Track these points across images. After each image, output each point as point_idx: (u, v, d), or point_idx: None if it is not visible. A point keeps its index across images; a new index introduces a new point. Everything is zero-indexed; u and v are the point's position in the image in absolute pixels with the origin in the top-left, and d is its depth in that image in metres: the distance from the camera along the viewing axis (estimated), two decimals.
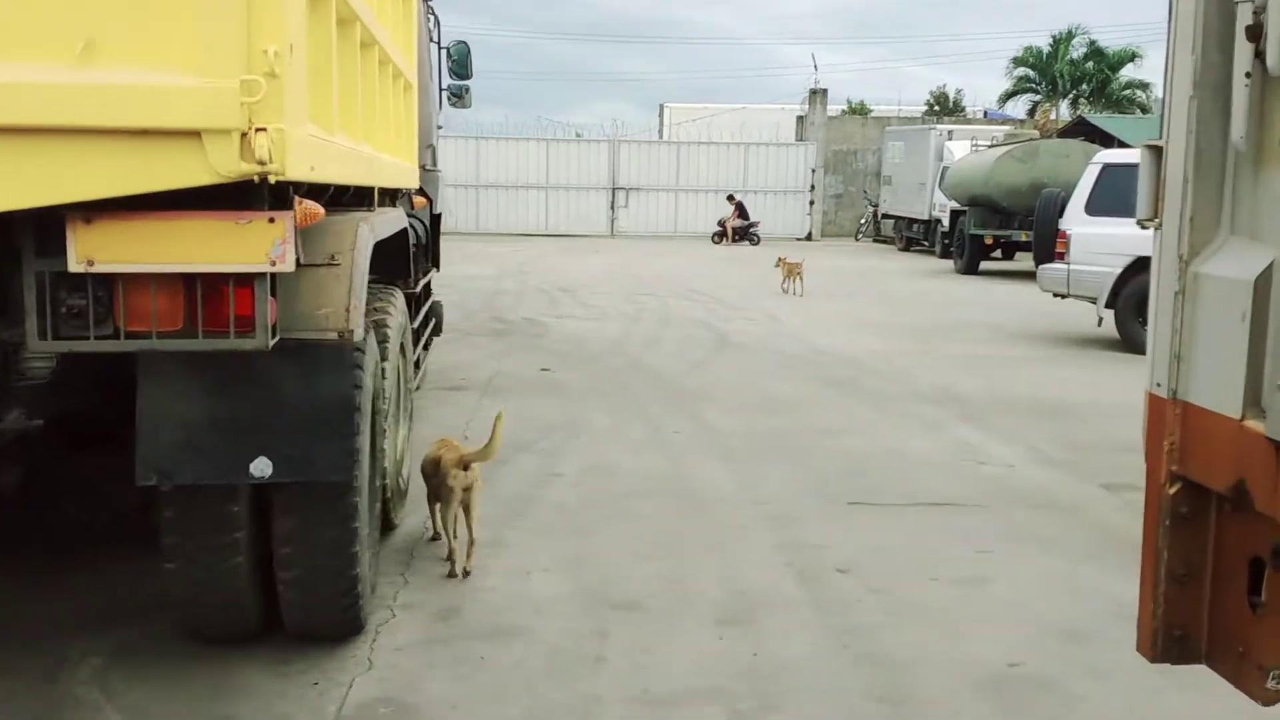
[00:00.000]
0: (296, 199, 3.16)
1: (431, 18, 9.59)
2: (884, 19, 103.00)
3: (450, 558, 5.08)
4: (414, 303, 6.71)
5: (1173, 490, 2.32)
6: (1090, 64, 35.93)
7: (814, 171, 32.88)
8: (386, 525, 5.36)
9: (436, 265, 9.86)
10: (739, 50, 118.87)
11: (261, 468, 3.62)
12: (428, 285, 8.14)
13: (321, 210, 3.32)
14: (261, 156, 2.76)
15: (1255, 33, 2.01)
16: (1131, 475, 7.09)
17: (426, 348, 8.29)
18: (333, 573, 4.07)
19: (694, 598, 4.87)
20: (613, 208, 32.40)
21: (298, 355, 3.64)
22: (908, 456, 7.40)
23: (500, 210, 31.95)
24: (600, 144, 32.80)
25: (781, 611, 4.76)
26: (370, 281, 6.06)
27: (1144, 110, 34.81)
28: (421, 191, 8.51)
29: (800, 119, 34.32)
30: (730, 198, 30.70)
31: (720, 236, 30.23)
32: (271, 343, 3.22)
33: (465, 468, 5.10)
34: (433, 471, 5.23)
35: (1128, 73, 36.11)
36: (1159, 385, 2.34)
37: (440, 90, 10.21)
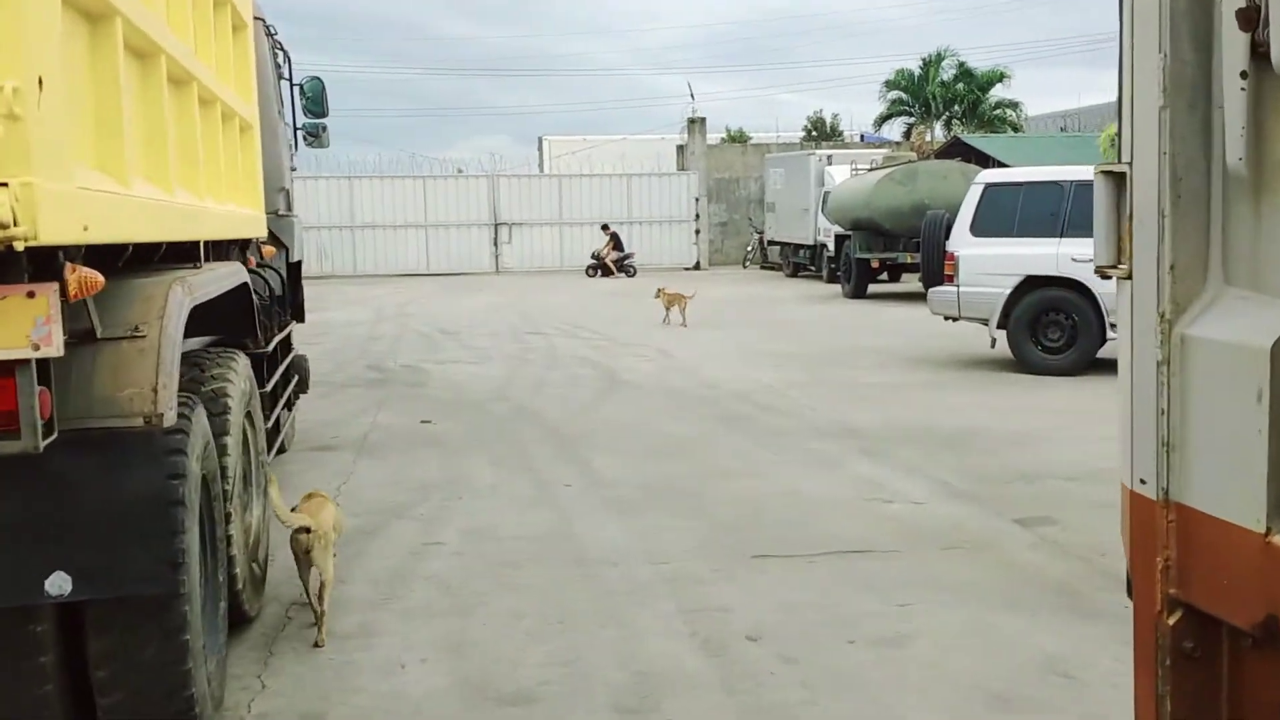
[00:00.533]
0: (69, 266, 2.57)
1: (280, 53, 8.97)
2: (757, 47, 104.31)
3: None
4: (266, 362, 6.08)
5: (1173, 620, 1.78)
6: (961, 85, 36.52)
7: (698, 200, 32.75)
8: (240, 618, 4.73)
9: (299, 317, 9.21)
10: (616, 81, 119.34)
11: (59, 585, 3.01)
12: (287, 340, 7.49)
13: (100, 278, 2.74)
14: (2, 218, 2.18)
15: (1251, 18, 1.54)
16: (1041, 507, 6.83)
17: (289, 408, 7.64)
18: (161, 696, 3.46)
19: (590, 683, 4.35)
20: (495, 244, 31.76)
21: (96, 448, 3.04)
22: (810, 499, 6.99)
23: (378, 251, 31.06)
24: (480, 179, 32.18)
25: (687, 693, 4.27)
26: (209, 346, 5.48)
27: (1015, 129, 35.56)
28: (275, 239, 7.89)
29: (680, 148, 34.21)
30: (605, 227, 30.28)
31: (595, 269, 29.70)
32: (44, 443, 2.62)
33: (306, 530, 4.74)
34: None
35: (997, 93, 36.90)
36: (1143, 482, 1.81)
37: (295, 130, 9.58)
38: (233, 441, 4.54)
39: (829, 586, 5.40)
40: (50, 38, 2.41)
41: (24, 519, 2.96)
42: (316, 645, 4.70)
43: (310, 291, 24.75)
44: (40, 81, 2.29)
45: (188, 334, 5.46)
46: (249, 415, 5.10)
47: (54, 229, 2.33)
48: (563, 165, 35.18)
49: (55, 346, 2.49)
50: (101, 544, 3.03)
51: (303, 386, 8.42)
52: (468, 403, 10.69)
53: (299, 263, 8.82)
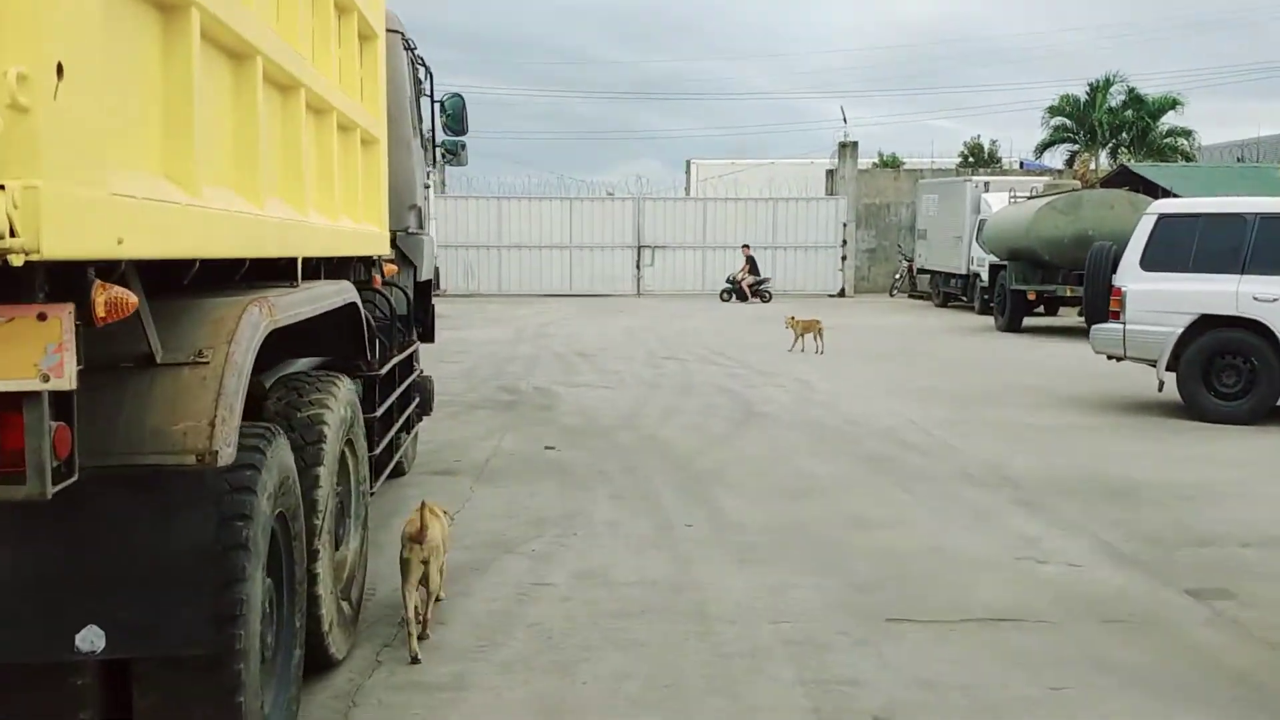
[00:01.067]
0: (98, 284, 2.26)
1: (422, 69, 8.82)
2: (912, 72, 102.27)
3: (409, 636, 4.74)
4: (380, 385, 5.81)
5: None
6: (1129, 112, 34.73)
7: (845, 226, 31.97)
8: (325, 662, 4.42)
9: (428, 337, 9.02)
10: (766, 105, 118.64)
11: (91, 640, 2.72)
12: (409, 361, 7.25)
13: (134, 299, 2.42)
14: None
15: None
16: (1219, 576, 6.07)
17: (408, 430, 7.39)
18: None
19: None
20: (638, 266, 31.60)
21: (141, 488, 2.74)
22: (955, 555, 6.38)
23: (524, 271, 31.25)
24: (625, 201, 32.09)
25: None
26: (315, 368, 5.24)
27: (1187, 158, 33.65)
28: (404, 257, 7.68)
29: (830, 173, 33.49)
30: (745, 247, 29.72)
31: (730, 294, 29.08)
32: (55, 488, 2.29)
33: (420, 540, 4.76)
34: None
35: (1169, 120, 34.97)
36: None
37: (435, 146, 9.43)
38: (325, 472, 4.25)
39: (973, 660, 4.81)
40: (77, 19, 2.09)
41: (56, 565, 2.68)
42: (414, 661, 4.65)
43: (454, 309, 24.99)
44: (60, 68, 1.98)
45: (291, 354, 5.25)
46: (350, 443, 4.82)
47: (68, 241, 2.01)
48: (709, 189, 34.84)
49: (67, 378, 2.17)
50: (143, 597, 2.73)
51: (425, 409, 8.20)
52: (596, 429, 10.35)
53: (428, 282, 8.62)
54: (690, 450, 9.36)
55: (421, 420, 8.40)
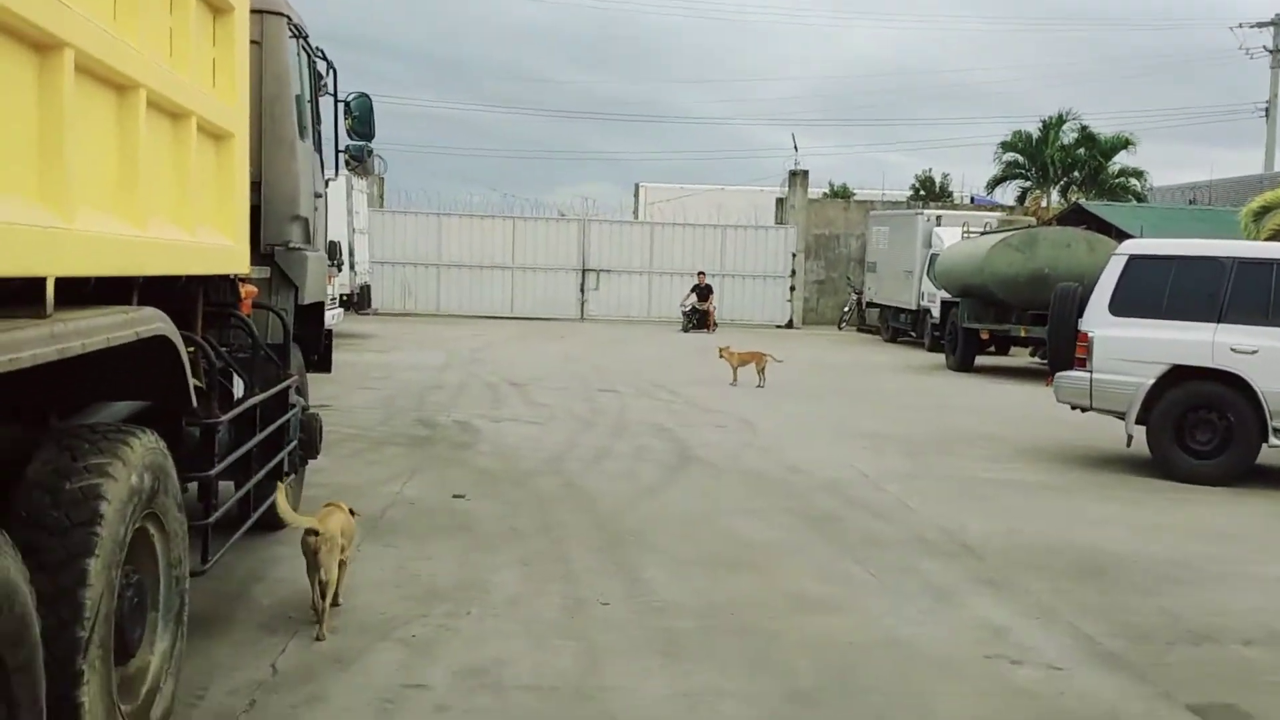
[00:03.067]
0: None
1: (321, 62, 7.77)
2: (864, 104, 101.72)
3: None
4: (215, 435, 4.71)
5: None
6: (1082, 150, 34.27)
7: (795, 256, 31.19)
8: None
9: (324, 366, 7.96)
10: (716, 131, 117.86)
11: None
12: (282, 397, 6.13)
13: None
14: None
15: None
16: (1223, 688, 5.07)
17: (281, 478, 6.27)
18: None
19: None
20: (582, 290, 30.55)
21: None
22: (915, 651, 5.39)
23: (463, 291, 30.06)
24: (571, 223, 31.06)
25: None
26: (134, 414, 4.19)
27: (1139, 199, 33.25)
28: (282, 275, 6.62)
29: (780, 201, 32.69)
30: (700, 274, 28.83)
31: (692, 323, 28.05)
32: None
33: (314, 533, 5.12)
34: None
35: (1121, 160, 34.64)
36: None
37: (337, 151, 8.37)
38: (98, 565, 3.17)
39: None
40: None
41: None
42: (318, 639, 5.04)
43: (386, 329, 23.89)
44: None
45: (99, 396, 4.17)
46: (154, 517, 3.73)
47: None
48: (658, 213, 33.93)
49: None
50: None
51: (310, 452, 7.09)
52: (514, 474, 9.28)
53: (319, 304, 7.53)
54: (616, 504, 8.32)
55: (305, 464, 7.31)
